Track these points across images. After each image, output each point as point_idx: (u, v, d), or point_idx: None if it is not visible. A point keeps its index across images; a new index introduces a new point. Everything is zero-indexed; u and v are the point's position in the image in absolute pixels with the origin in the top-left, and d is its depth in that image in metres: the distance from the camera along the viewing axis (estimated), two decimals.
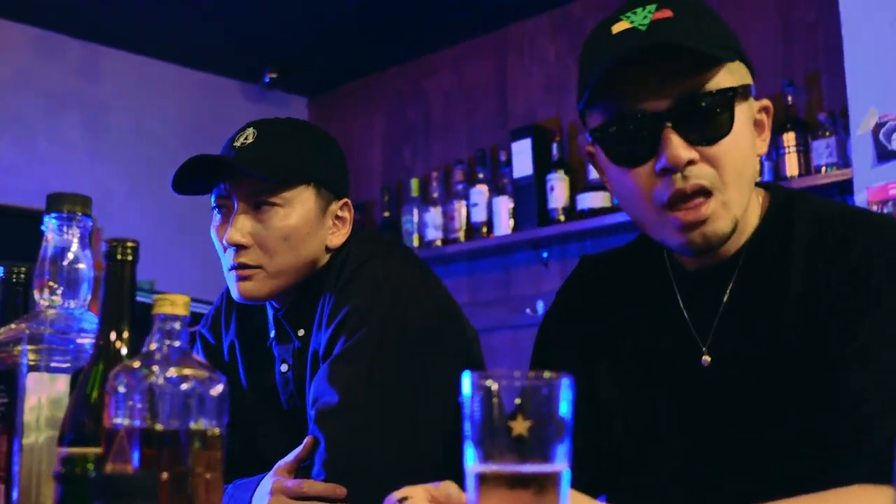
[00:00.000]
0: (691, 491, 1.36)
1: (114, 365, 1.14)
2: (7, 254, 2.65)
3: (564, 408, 0.94)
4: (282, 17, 4.56)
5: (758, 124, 1.36)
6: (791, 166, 3.46)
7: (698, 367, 1.36)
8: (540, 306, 4.24)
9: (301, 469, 1.70)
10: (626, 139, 1.29)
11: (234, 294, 1.82)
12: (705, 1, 1.37)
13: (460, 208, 4.51)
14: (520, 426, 0.93)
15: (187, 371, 1.06)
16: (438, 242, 4.54)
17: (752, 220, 1.37)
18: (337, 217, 1.86)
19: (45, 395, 1.23)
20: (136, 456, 1.02)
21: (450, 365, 1.79)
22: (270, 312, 1.91)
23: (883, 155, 2.69)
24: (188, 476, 1.04)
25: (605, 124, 1.31)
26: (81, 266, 1.25)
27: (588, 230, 4.03)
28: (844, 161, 3.29)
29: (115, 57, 4.83)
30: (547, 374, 0.93)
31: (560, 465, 0.92)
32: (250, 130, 1.81)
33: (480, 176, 4.49)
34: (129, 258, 1.16)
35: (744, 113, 1.30)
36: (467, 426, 0.92)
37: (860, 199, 2.75)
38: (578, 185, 4.16)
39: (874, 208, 2.69)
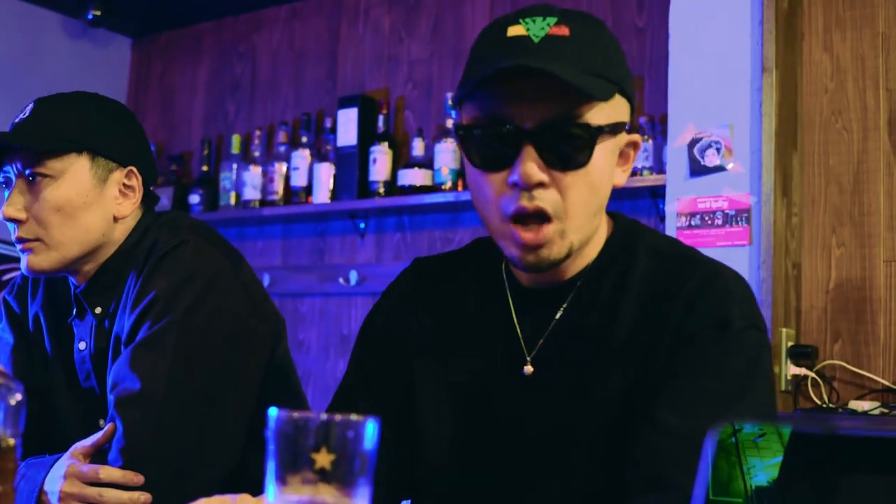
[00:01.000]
0: (504, 497, 1.39)
1: None
2: None
3: (369, 444, 0.97)
4: None
5: (623, 156, 1.39)
6: None
7: (521, 376, 1.39)
8: (353, 276, 4.26)
9: (98, 453, 1.67)
10: (488, 145, 1.31)
11: (23, 268, 1.82)
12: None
13: (281, 170, 4.46)
14: (323, 459, 0.95)
15: None
16: (256, 203, 4.48)
17: (594, 246, 1.41)
18: (125, 186, 1.84)
19: None
20: None
21: (255, 358, 1.80)
22: (71, 290, 1.88)
23: (696, 170, 2.82)
24: None
25: (472, 125, 1.32)
26: None
27: (407, 206, 4.06)
28: (660, 166, 3.42)
29: None
30: (353, 417, 0.95)
31: (360, 501, 0.95)
32: (30, 107, 1.82)
33: (304, 140, 4.45)
34: None
35: (606, 148, 1.32)
36: (270, 462, 0.93)
37: (671, 208, 2.88)
38: (401, 160, 4.18)
39: (682, 219, 2.82)
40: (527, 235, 1.30)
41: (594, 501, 1.33)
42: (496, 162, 1.31)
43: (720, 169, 2.79)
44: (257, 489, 1.32)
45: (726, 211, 2.76)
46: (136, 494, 1.61)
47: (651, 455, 1.25)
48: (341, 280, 4.31)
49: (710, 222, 2.76)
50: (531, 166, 1.27)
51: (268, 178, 4.48)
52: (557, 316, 1.39)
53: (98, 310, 1.85)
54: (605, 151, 1.31)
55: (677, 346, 1.30)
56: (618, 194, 3.55)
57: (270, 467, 0.93)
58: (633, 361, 1.32)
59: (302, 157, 4.40)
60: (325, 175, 4.28)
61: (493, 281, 1.47)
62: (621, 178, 1.40)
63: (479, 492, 1.41)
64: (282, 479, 0.93)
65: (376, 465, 1.40)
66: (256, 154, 4.59)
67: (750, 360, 1.30)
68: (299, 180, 4.38)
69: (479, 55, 1.34)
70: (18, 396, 1.05)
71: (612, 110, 1.32)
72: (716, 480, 0.62)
